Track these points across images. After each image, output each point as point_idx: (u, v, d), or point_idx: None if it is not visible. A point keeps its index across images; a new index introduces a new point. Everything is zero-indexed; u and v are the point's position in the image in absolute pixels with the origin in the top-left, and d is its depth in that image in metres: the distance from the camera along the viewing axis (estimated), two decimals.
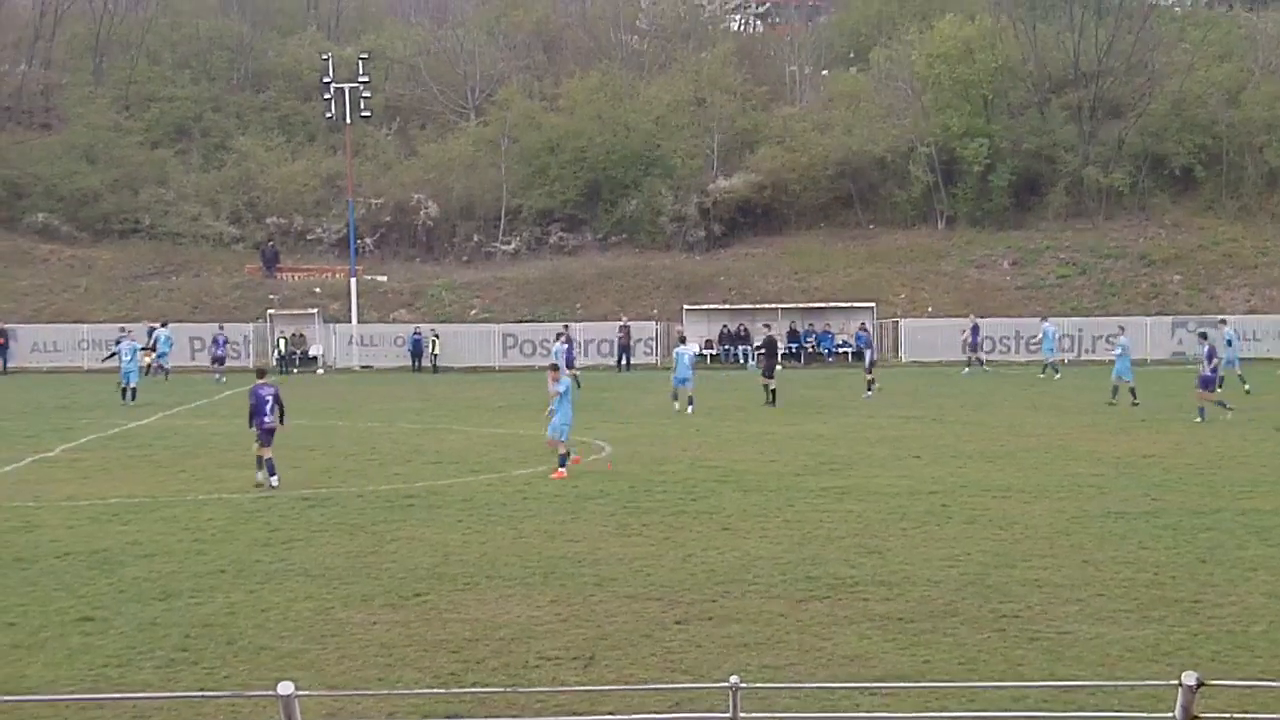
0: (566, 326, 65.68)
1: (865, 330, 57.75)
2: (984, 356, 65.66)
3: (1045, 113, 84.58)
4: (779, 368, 52.04)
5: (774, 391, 48.39)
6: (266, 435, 29.68)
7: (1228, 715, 10.42)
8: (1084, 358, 68.28)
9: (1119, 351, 47.73)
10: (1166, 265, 77.92)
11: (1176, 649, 16.18)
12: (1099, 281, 77.26)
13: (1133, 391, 46.61)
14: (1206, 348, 41.95)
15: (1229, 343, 51.48)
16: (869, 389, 51.16)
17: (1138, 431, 38.03)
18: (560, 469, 30.51)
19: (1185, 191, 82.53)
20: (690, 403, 45.68)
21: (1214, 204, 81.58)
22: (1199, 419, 40.27)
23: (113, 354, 55.01)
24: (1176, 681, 9.56)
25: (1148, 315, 72.18)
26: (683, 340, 50.55)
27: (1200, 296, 75.56)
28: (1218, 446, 34.54)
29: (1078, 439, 36.39)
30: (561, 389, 31.50)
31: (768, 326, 55.26)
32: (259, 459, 29.61)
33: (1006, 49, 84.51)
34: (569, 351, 59.47)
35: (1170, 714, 9.64)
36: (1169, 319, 71.75)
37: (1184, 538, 22.64)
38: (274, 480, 29.17)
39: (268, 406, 29.77)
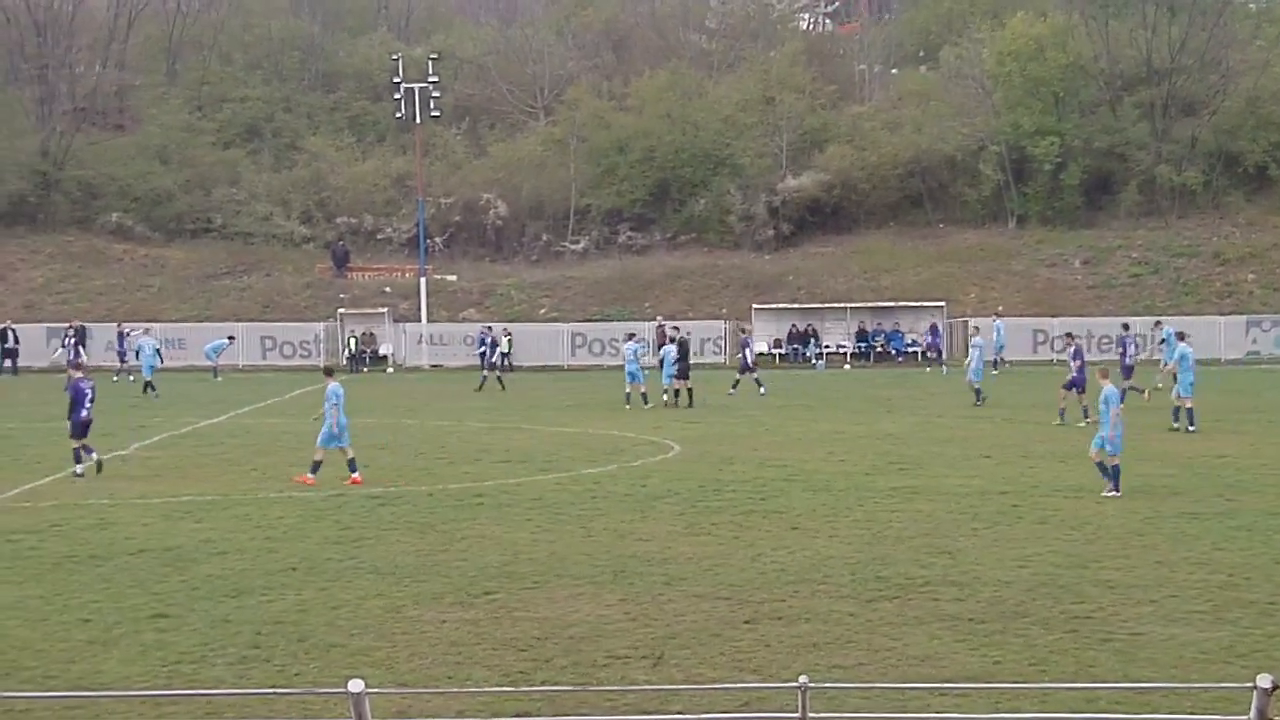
0: (489, 328, 65.11)
1: (744, 332, 57.86)
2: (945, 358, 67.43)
3: (1117, 111, 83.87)
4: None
5: (690, 391, 48.28)
6: (83, 428, 31.44)
7: None
8: (1155, 358, 67.60)
9: (976, 354, 47.98)
10: (1241, 264, 77.12)
11: (1251, 651, 16.03)
12: (1172, 280, 76.57)
13: (977, 392, 46.96)
14: (1073, 349, 42.22)
15: (1164, 341, 51.51)
16: (734, 387, 52.34)
17: (1211, 432, 37.66)
18: (310, 475, 29.50)
19: (1260, 189, 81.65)
20: (631, 398, 47.57)
21: None
22: (1059, 421, 40.00)
23: (136, 351, 58.73)
24: (1251, 684, 9.46)
25: (1221, 314, 71.50)
26: (630, 336, 52.08)
27: (1275, 295, 74.72)
28: None
29: (1150, 440, 36.04)
30: (332, 397, 29.95)
31: (676, 329, 54.92)
32: (76, 451, 31.26)
33: (1078, 46, 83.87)
34: (491, 351, 59.30)
35: (1245, 717, 9.55)
36: (1243, 318, 71.04)
37: (1259, 539, 22.42)
38: (78, 469, 31.00)
39: (86, 399, 31.69)
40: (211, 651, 16.57)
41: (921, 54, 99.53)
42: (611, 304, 77.31)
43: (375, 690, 10.77)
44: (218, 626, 17.65)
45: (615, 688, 14.88)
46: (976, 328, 55.33)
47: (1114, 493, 26.62)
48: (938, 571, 20.19)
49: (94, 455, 31.47)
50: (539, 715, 14.07)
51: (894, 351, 72.74)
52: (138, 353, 58.35)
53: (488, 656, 16.25)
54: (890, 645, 16.46)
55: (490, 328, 65.25)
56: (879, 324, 73.82)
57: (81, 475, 30.86)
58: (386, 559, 21.60)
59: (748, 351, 54.13)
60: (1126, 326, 52.69)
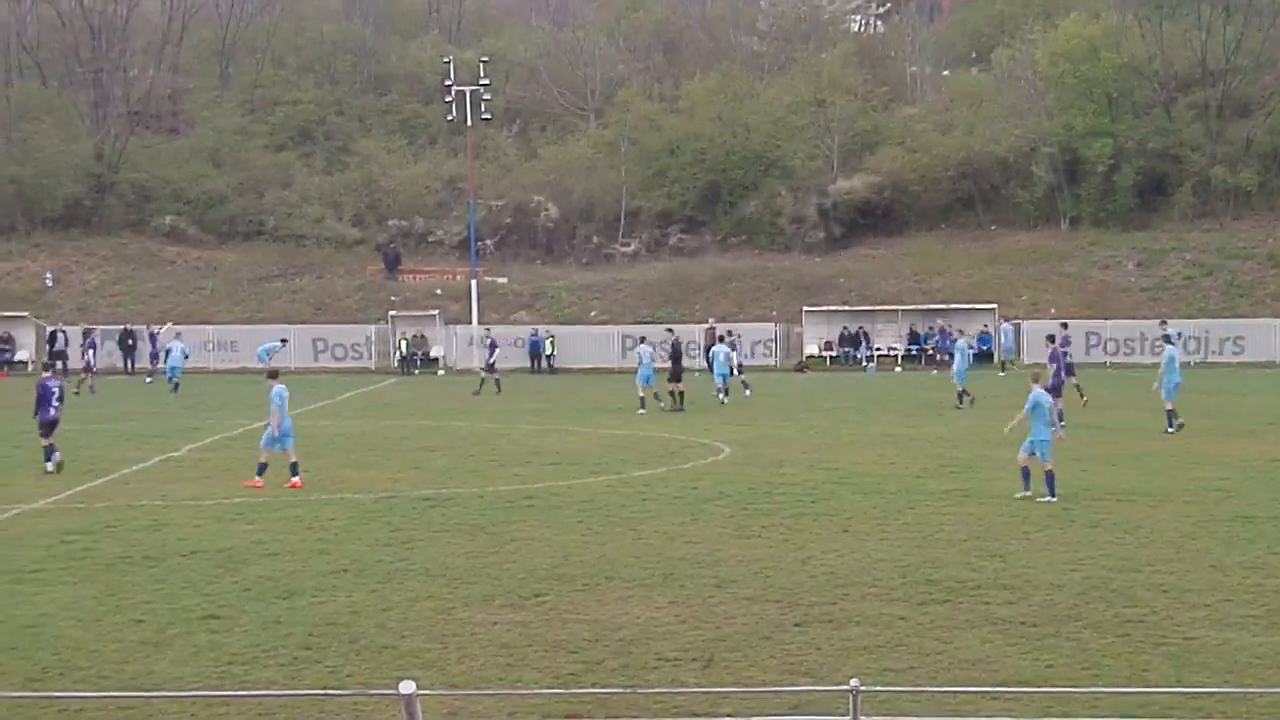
0: (488, 329, 65.16)
1: (731, 334, 57.82)
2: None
3: (1171, 112, 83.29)
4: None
5: (681, 395, 47.80)
6: (49, 426, 32.05)
7: None
8: (1210, 360, 67.20)
9: (960, 357, 47.95)
10: None
11: None
12: (1226, 283, 75.94)
13: (960, 395, 46.80)
14: (1051, 351, 42.24)
15: (1171, 338, 51.41)
16: (746, 389, 52.30)
17: (1266, 435, 37.42)
18: (257, 478, 29.46)
19: None
20: (660, 398, 47.59)
21: None
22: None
23: (165, 353, 60.47)
24: None
25: (1276, 317, 70.85)
26: (642, 340, 53.91)
27: None
28: None
29: (1202, 443, 35.81)
30: (276, 400, 29.69)
31: (670, 330, 54.97)
32: (45, 450, 31.86)
33: (1131, 47, 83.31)
34: (492, 352, 59.16)
35: None
36: None
37: None
38: (49, 465, 31.64)
39: (54, 398, 32.28)
40: (263, 653, 16.66)
41: (973, 55, 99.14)
42: (662, 306, 77.25)
43: (426, 692, 10.81)
44: (269, 628, 17.75)
45: (665, 690, 14.89)
46: (960, 331, 55.70)
47: (1047, 499, 26.33)
48: (989, 575, 20.12)
49: (57, 456, 32.01)
50: (589, 718, 14.09)
51: (945, 355, 72.41)
52: (166, 354, 60.06)
53: (538, 659, 16.28)
54: (941, 649, 16.41)
55: (489, 329, 65.83)
56: (930, 326, 73.52)
57: (52, 472, 31.41)
58: (437, 561, 21.66)
59: (734, 355, 54.37)
60: (1065, 325, 52.51)
